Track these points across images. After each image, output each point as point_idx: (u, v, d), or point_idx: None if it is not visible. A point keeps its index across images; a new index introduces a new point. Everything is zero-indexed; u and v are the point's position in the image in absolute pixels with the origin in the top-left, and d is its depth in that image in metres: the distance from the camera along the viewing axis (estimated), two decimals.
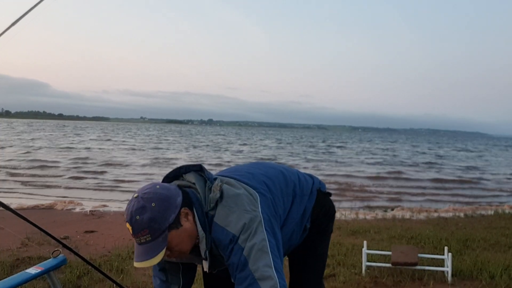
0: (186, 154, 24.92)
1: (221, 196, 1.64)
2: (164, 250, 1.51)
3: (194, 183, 1.68)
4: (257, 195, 1.70)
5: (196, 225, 1.61)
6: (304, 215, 1.91)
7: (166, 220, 1.50)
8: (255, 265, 1.57)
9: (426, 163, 25.25)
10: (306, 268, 2.06)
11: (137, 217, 1.47)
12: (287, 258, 2.12)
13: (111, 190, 11.66)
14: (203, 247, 1.62)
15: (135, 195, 1.53)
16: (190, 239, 1.60)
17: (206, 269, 1.69)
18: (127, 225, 1.50)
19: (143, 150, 28.22)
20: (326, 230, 2.07)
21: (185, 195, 1.60)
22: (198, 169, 1.72)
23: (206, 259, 1.66)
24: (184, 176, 1.73)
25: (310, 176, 2.09)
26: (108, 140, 40.21)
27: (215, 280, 2.03)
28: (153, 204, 1.48)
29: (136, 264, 1.51)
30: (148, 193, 1.52)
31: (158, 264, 1.82)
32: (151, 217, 1.47)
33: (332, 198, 2.12)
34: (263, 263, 1.56)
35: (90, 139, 39.67)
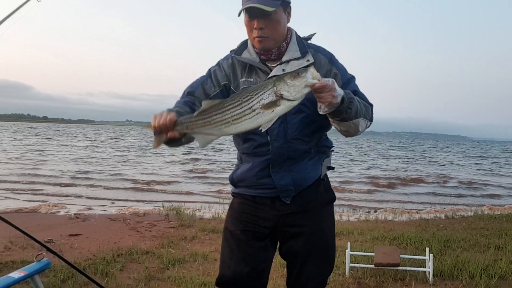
0: None
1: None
2: (274, 8, 1.75)
3: None
4: None
5: (289, 32, 1.92)
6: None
7: None
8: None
9: None
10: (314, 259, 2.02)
11: None
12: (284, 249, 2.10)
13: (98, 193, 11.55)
14: (294, 48, 1.89)
15: None
16: (283, 32, 1.87)
17: (277, 72, 1.86)
18: None
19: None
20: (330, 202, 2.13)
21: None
22: None
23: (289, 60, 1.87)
24: None
25: None
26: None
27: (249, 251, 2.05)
28: None
29: (249, 5, 1.74)
30: None
31: (192, 86, 1.99)
32: None
33: None
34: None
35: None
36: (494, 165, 29.93)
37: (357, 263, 4.29)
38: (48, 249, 2.57)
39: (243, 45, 1.99)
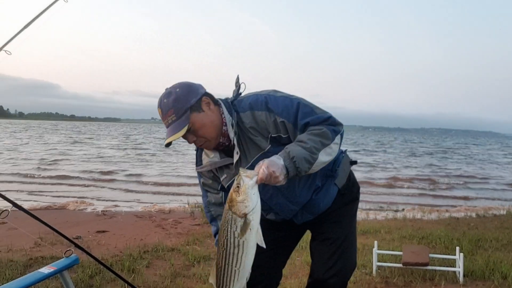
0: None
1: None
2: (186, 127, 1.73)
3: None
4: None
5: (221, 113, 1.83)
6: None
7: (188, 101, 1.76)
8: (309, 103, 1.84)
9: None
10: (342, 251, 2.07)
11: (165, 100, 1.77)
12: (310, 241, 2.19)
13: (124, 190, 11.72)
14: (231, 128, 1.81)
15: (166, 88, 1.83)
16: (213, 126, 1.80)
17: (235, 158, 1.84)
18: (158, 110, 1.80)
19: None
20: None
21: (211, 96, 1.86)
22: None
23: (235, 144, 1.82)
24: None
25: None
26: None
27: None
28: (177, 90, 1.78)
29: (165, 142, 1.78)
30: (175, 84, 1.82)
31: (207, 214, 2.08)
32: (175, 98, 1.75)
33: None
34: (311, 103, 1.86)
35: None
36: None
37: (385, 262, 4.22)
38: (76, 245, 2.60)
39: (199, 149, 2.02)
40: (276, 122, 1.79)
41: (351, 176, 2.13)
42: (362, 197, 2.29)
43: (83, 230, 5.98)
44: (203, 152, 1.98)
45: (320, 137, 1.71)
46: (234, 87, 1.93)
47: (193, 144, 1.87)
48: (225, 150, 1.90)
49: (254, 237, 1.53)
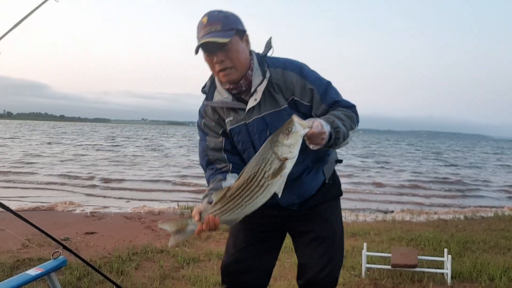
0: None
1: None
2: (229, 38, 1.73)
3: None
4: None
5: (251, 59, 1.87)
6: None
7: (237, 24, 1.80)
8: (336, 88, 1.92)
9: None
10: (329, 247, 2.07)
11: (216, 12, 1.78)
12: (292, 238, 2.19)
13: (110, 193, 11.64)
14: (257, 73, 1.85)
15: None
16: (245, 60, 1.84)
17: (251, 104, 1.85)
18: (204, 19, 1.77)
19: None
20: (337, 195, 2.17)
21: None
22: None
23: (257, 90, 1.84)
24: None
25: None
26: None
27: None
28: (229, 13, 1.81)
29: (204, 40, 1.71)
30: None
31: (203, 158, 2.00)
32: (226, 15, 1.79)
33: None
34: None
35: None
36: None
37: (374, 264, 4.24)
38: (64, 247, 2.58)
39: (212, 85, 1.98)
40: (305, 88, 1.83)
41: (335, 173, 2.17)
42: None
43: (71, 231, 5.92)
44: (216, 90, 1.96)
45: (350, 120, 1.78)
46: (263, 49, 1.95)
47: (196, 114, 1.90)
48: (237, 96, 1.91)
49: (279, 185, 1.53)
